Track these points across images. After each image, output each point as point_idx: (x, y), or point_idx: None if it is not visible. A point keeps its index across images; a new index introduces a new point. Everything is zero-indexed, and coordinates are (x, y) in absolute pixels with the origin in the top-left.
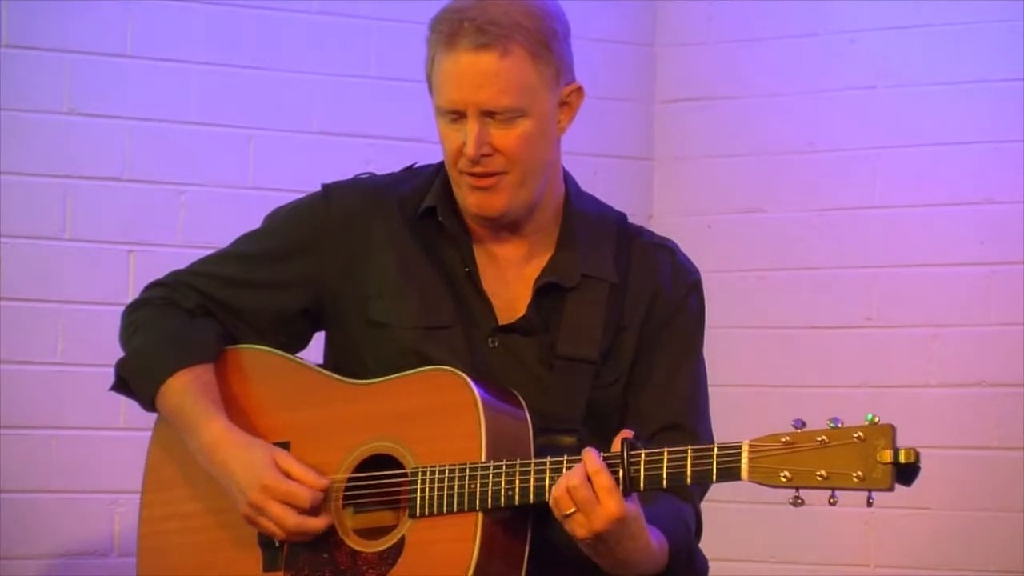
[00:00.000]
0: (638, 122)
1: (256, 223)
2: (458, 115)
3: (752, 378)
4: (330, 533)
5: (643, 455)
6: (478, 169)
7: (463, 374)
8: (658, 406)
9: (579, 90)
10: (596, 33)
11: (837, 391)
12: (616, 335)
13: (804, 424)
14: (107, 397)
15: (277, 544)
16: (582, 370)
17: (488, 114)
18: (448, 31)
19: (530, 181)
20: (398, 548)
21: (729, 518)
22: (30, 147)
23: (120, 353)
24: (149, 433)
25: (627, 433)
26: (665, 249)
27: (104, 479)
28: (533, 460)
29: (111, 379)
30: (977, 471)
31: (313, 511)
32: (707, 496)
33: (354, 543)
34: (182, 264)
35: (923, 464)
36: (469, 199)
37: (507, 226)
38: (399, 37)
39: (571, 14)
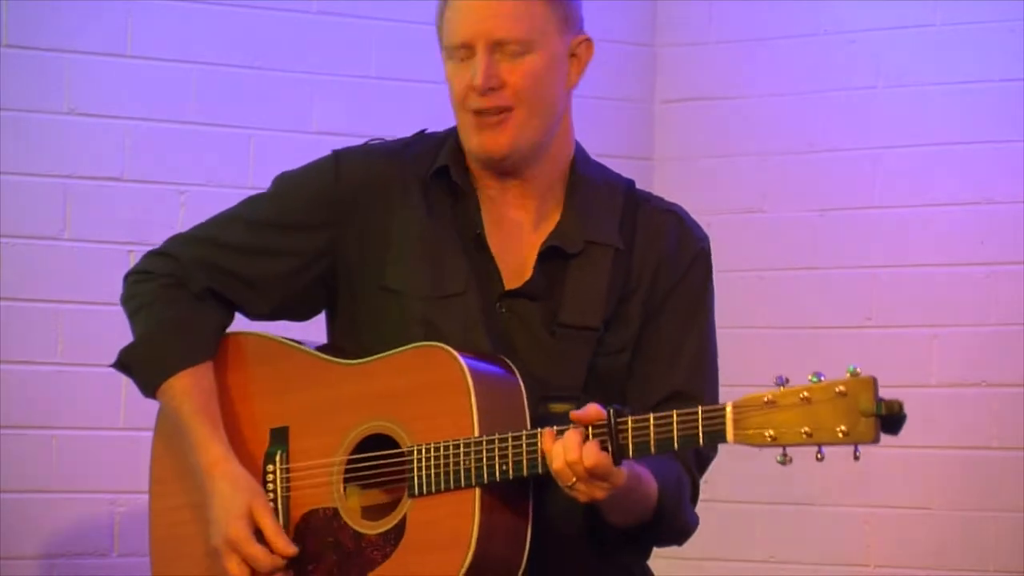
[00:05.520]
0: (638, 122)
1: None
2: (467, 50)
3: (752, 378)
4: (333, 516)
5: (630, 422)
6: (485, 102)
7: (451, 349)
8: (663, 374)
9: (588, 42)
10: (596, 33)
11: None
12: (621, 302)
13: (787, 381)
14: (107, 397)
15: (282, 528)
16: (584, 338)
17: (497, 46)
18: None
19: (536, 121)
20: (400, 528)
21: (729, 518)
22: (30, 147)
23: (122, 319)
24: (149, 433)
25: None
26: (672, 214)
27: (104, 479)
28: (525, 432)
29: (111, 379)
30: (977, 471)
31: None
32: (706, 496)
33: (357, 524)
34: None
35: (923, 464)
36: (474, 140)
37: (513, 174)
38: (399, 37)
39: None
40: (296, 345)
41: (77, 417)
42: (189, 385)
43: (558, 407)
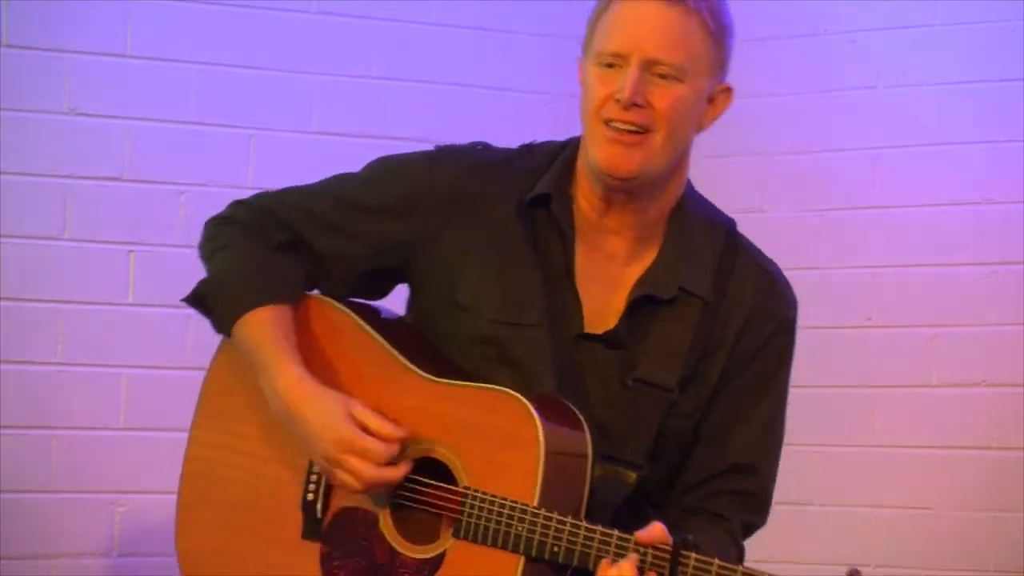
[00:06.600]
0: None
1: None
2: (619, 60)
3: None
4: (372, 523)
5: (692, 559)
6: (626, 116)
7: (530, 406)
8: (728, 441)
9: (728, 91)
10: None
11: (837, 391)
12: (702, 358)
13: (858, 573)
14: (107, 397)
15: (319, 515)
16: (658, 397)
17: (651, 65)
18: None
19: (668, 151)
20: (437, 562)
21: None
22: (30, 147)
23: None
24: (149, 433)
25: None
26: (767, 275)
27: (104, 479)
28: (584, 525)
29: (111, 379)
30: (977, 471)
31: (391, 463)
32: None
33: (394, 540)
34: (183, 264)
35: (923, 464)
36: (603, 152)
37: (625, 197)
38: (399, 37)
39: (571, 14)
40: (378, 337)
41: (77, 417)
42: (269, 318)
43: (622, 474)
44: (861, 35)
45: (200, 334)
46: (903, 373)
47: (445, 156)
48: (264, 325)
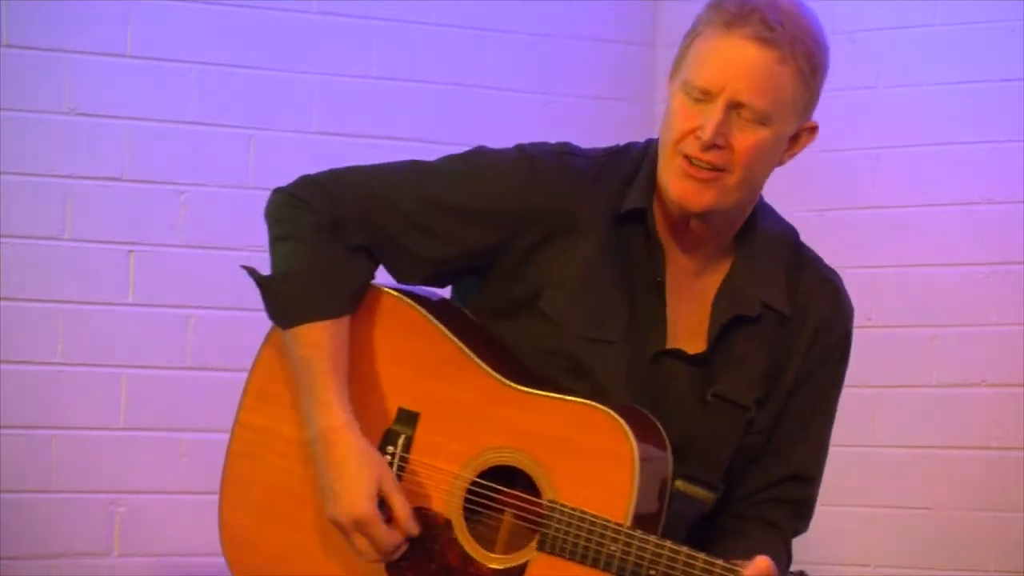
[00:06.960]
0: (638, 122)
1: (257, 223)
2: (705, 96)
3: None
4: (446, 527)
5: None
6: (704, 156)
7: (624, 423)
8: (789, 451)
9: (814, 129)
10: (596, 33)
11: None
12: (778, 374)
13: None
14: (107, 397)
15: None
16: (735, 414)
17: (736, 107)
18: (735, 12)
19: (742, 191)
20: (517, 573)
21: None
22: (30, 147)
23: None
24: (149, 433)
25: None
26: (831, 284)
27: (104, 479)
28: (684, 551)
29: (111, 379)
30: (977, 471)
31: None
32: None
33: (471, 548)
34: (183, 264)
35: (923, 464)
36: (676, 184)
37: (697, 225)
38: (399, 37)
39: (571, 14)
40: (453, 338)
41: (77, 417)
42: (324, 338)
43: (699, 493)
44: (861, 35)
45: (200, 334)
46: (903, 373)
47: (541, 163)
48: (316, 347)
